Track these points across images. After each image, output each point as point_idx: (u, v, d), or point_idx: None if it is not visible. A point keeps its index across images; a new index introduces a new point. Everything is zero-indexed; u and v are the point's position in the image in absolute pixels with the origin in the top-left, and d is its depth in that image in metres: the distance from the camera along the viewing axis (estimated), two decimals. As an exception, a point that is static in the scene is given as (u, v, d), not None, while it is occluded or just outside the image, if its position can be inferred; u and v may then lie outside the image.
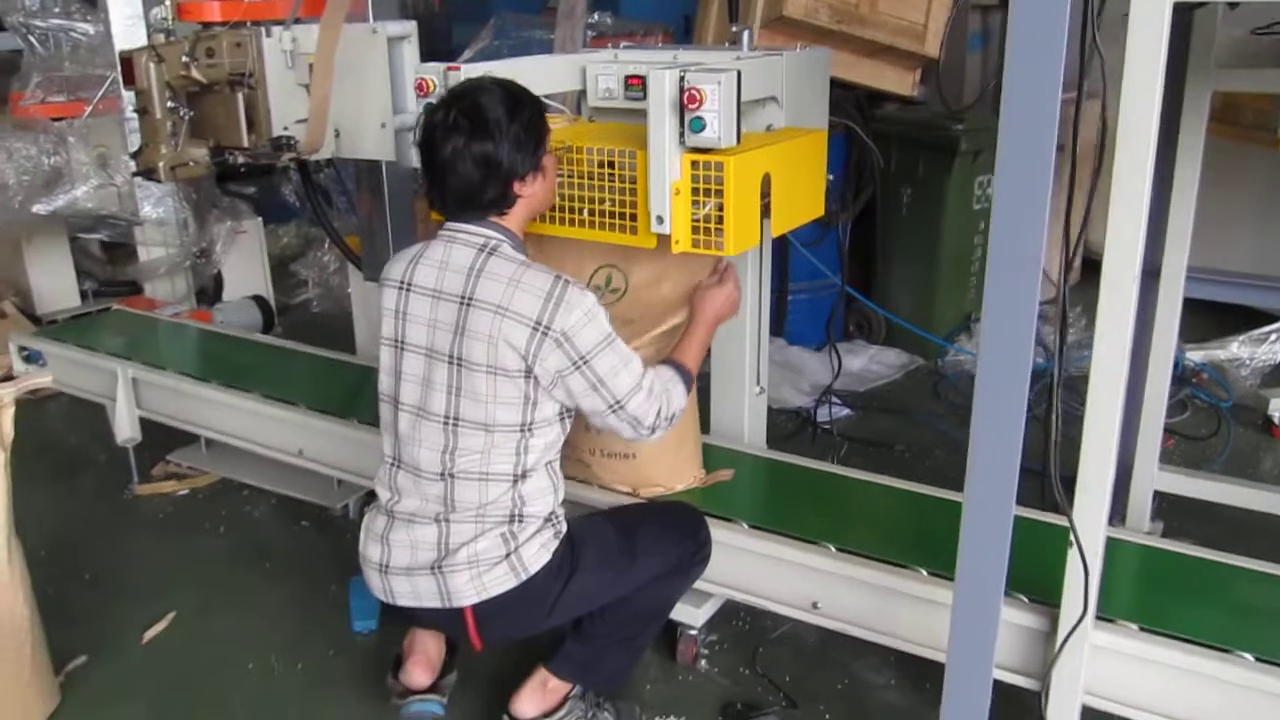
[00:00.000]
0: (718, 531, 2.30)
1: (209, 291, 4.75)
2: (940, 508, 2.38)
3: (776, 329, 4.34)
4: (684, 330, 2.32)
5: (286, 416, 3.05)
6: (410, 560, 2.08)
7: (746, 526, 2.31)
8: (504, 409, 2.01)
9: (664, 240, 2.09)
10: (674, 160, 2.02)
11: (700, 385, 2.55)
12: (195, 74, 3.02)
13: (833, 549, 2.21)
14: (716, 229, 2.05)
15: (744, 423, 2.91)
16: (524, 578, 2.04)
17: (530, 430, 2.04)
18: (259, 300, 4.58)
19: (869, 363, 4.35)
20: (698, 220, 2.06)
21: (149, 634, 2.71)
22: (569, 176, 2.19)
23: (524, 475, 2.06)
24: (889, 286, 4.51)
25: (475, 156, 1.97)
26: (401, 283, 2.10)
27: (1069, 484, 1.79)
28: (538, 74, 2.42)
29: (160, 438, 3.56)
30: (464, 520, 2.05)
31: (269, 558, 3.07)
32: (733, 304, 2.36)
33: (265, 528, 3.26)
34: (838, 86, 4.19)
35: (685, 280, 2.38)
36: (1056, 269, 1.73)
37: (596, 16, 4.70)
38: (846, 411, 3.96)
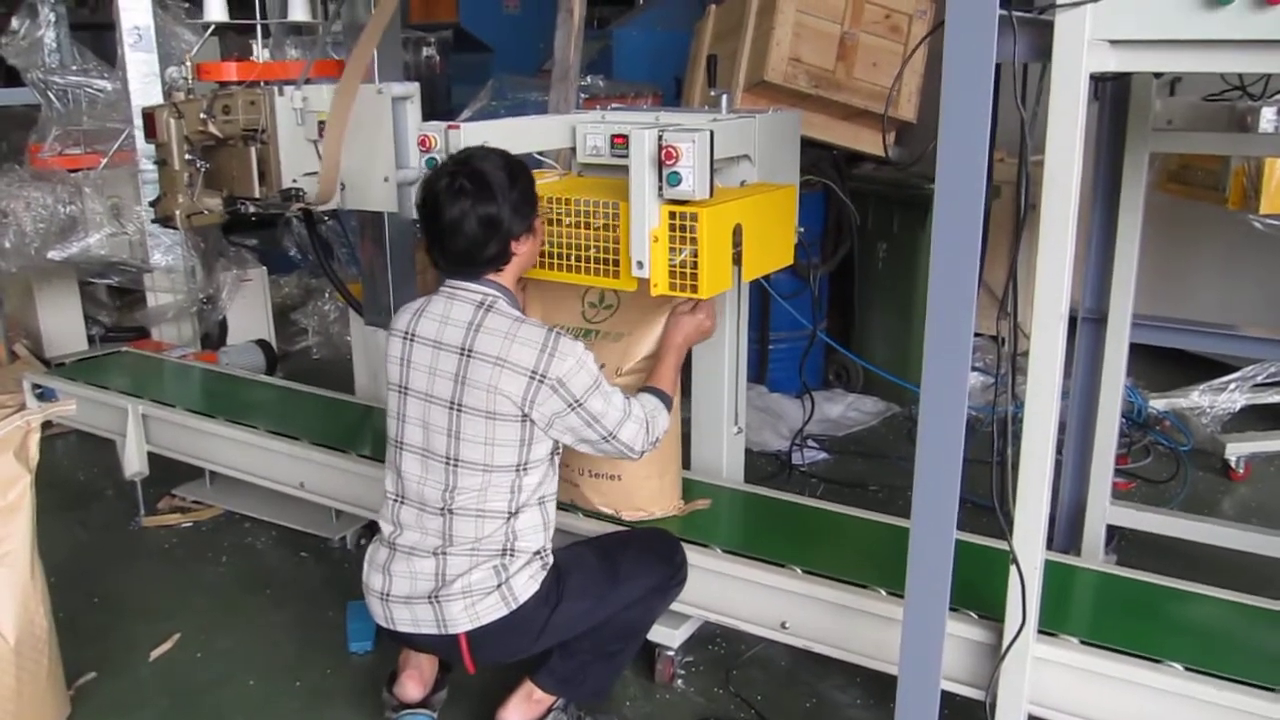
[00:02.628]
0: (694, 556, 2.47)
1: (214, 337, 4.93)
2: (901, 535, 2.52)
3: (758, 376, 4.53)
4: (656, 357, 2.51)
5: (289, 450, 3.22)
6: (410, 590, 2.25)
7: (720, 551, 2.48)
8: (501, 450, 2.19)
9: (644, 283, 2.29)
10: (653, 210, 2.23)
11: (681, 424, 2.74)
12: (212, 129, 3.24)
13: (799, 571, 2.38)
14: (691, 273, 2.25)
15: (722, 460, 3.08)
16: (514, 606, 2.22)
17: (524, 470, 2.22)
18: (263, 344, 4.77)
19: (847, 410, 4.53)
20: (674, 265, 2.26)
21: (155, 653, 2.86)
22: (560, 225, 2.39)
23: (517, 512, 2.23)
24: (867, 336, 4.71)
25: (480, 218, 2.18)
26: (406, 333, 2.29)
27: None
28: (533, 132, 2.64)
29: (165, 474, 3.72)
30: (460, 554, 2.22)
31: (270, 585, 3.22)
32: (702, 331, 2.54)
33: (266, 557, 3.41)
34: (817, 146, 4.44)
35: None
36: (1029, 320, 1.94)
37: (589, 79, 4.95)
38: (824, 455, 4.14)
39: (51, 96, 5.09)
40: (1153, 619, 2.25)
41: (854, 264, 4.69)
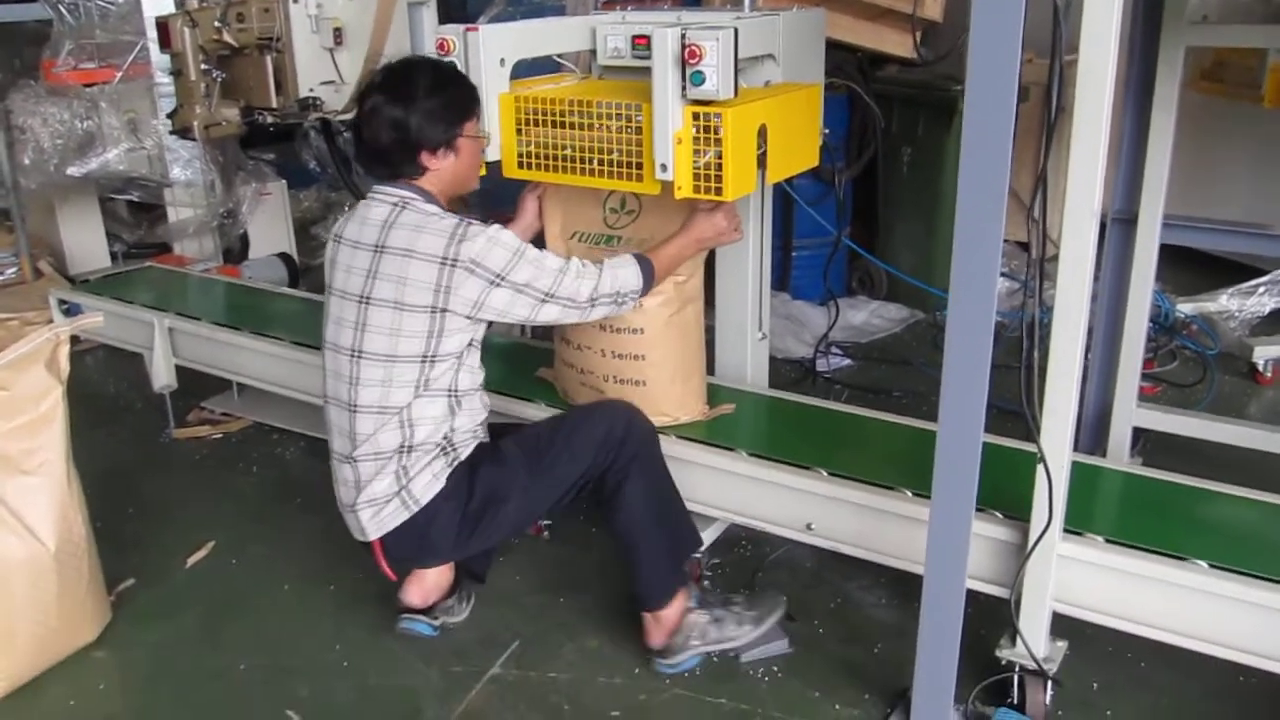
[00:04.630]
0: (719, 459, 2.48)
1: (235, 251, 4.93)
2: (926, 438, 2.52)
3: (781, 284, 4.51)
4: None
5: (313, 360, 3.20)
6: (344, 496, 2.34)
7: (745, 455, 2.48)
8: (407, 341, 2.19)
9: (667, 186, 2.26)
10: (676, 112, 2.19)
11: (706, 331, 2.73)
12: (226, 38, 3.21)
13: (824, 473, 2.39)
14: (716, 176, 2.22)
15: (747, 367, 3.08)
16: (414, 509, 2.26)
17: (431, 362, 2.21)
18: (285, 257, 4.77)
19: (870, 316, 4.51)
20: (698, 168, 2.23)
21: (191, 560, 2.92)
22: (580, 129, 2.35)
23: (414, 400, 2.23)
24: (891, 243, 4.67)
25: (388, 120, 2.19)
26: (335, 235, 2.34)
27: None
28: (552, 34, 2.58)
29: (194, 387, 3.76)
30: (365, 458, 2.26)
31: (300, 494, 3.27)
32: (719, 232, 2.46)
33: (295, 467, 3.46)
34: (840, 49, 4.34)
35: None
36: (1056, 225, 1.90)
37: (607, -19, 4.83)
38: (848, 362, 4.13)
39: (63, 10, 5.02)
40: (1177, 518, 2.26)
41: (878, 169, 4.62)
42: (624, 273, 2.32)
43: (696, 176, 2.24)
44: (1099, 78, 1.75)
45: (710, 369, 2.97)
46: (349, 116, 3.46)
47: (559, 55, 2.72)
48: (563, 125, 2.37)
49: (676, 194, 2.25)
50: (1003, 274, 4.57)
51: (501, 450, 2.35)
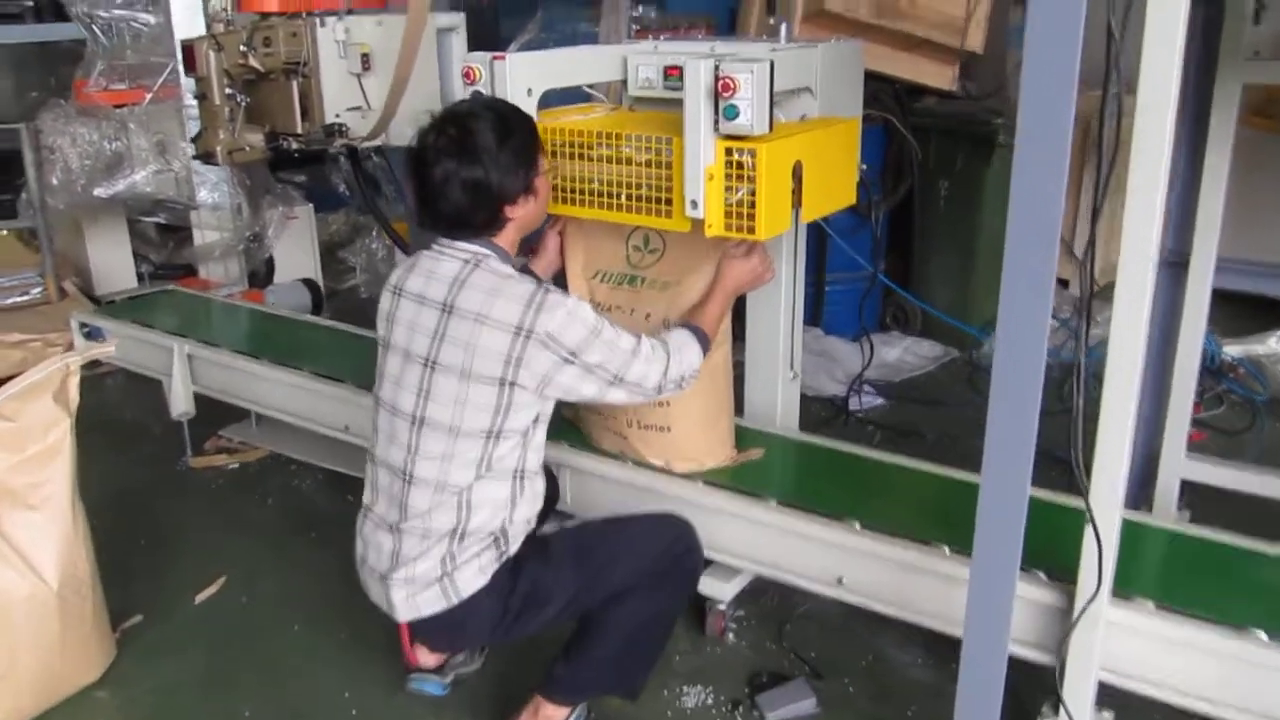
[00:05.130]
0: (746, 507, 2.38)
1: (260, 275, 4.89)
2: (964, 489, 2.43)
3: (813, 319, 4.41)
4: (704, 295, 2.36)
5: (334, 392, 3.16)
6: (375, 562, 2.16)
7: (774, 503, 2.38)
8: (474, 413, 2.01)
9: (697, 224, 2.17)
10: (708, 146, 2.10)
11: (734, 369, 2.64)
12: (253, 62, 3.15)
13: (857, 525, 2.28)
14: (749, 214, 2.13)
15: (777, 407, 2.98)
16: (454, 601, 2.07)
17: (497, 439, 2.03)
18: (309, 283, 4.72)
19: (904, 354, 4.40)
20: (730, 205, 2.14)
21: (201, 596, 2.84)
22: (609, 163, 2.27)
23: (477, 480, 2.05)
24: (926, 278, 4.55)
25: (466, 182, 2.01)
26: (395, 288, 2.16)
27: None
28: (582, 64, 2.51)
29: (213, 414, 3.69)
30: (413, 533, 2.07)
31: (315, 527, 3.19)
32: (755, 276, 2.38)
33: (312, 499, 3.38)
34: (877, 79, 4.25)
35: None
36: (1098, 261, 1.79)
37: (641, 10, 4.78)
38: (880, 400, 4.01)
39: (96, 30, 5.02)
40: (1234, 582, 2.13)
41: (914, 202, 4.52)
42: (689, 355, 2.20)
43: (728, 214, 2.15)
44: (1158, 118, 1.65)
45: (739, 408, 2.87)
46: (375, 143, 3.41)
47: (589, 85, 2.64)
48: (591, 158, 2.29)
49: (707, 231, 2.16)
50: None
51: (550, 548, 2.17)
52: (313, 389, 3.22)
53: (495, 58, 2.31)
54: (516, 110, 2.13)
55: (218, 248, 4.69)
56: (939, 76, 4.33)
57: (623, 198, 2.27)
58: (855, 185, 2.51)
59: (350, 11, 3.35)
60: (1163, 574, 2.23)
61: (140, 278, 5.33)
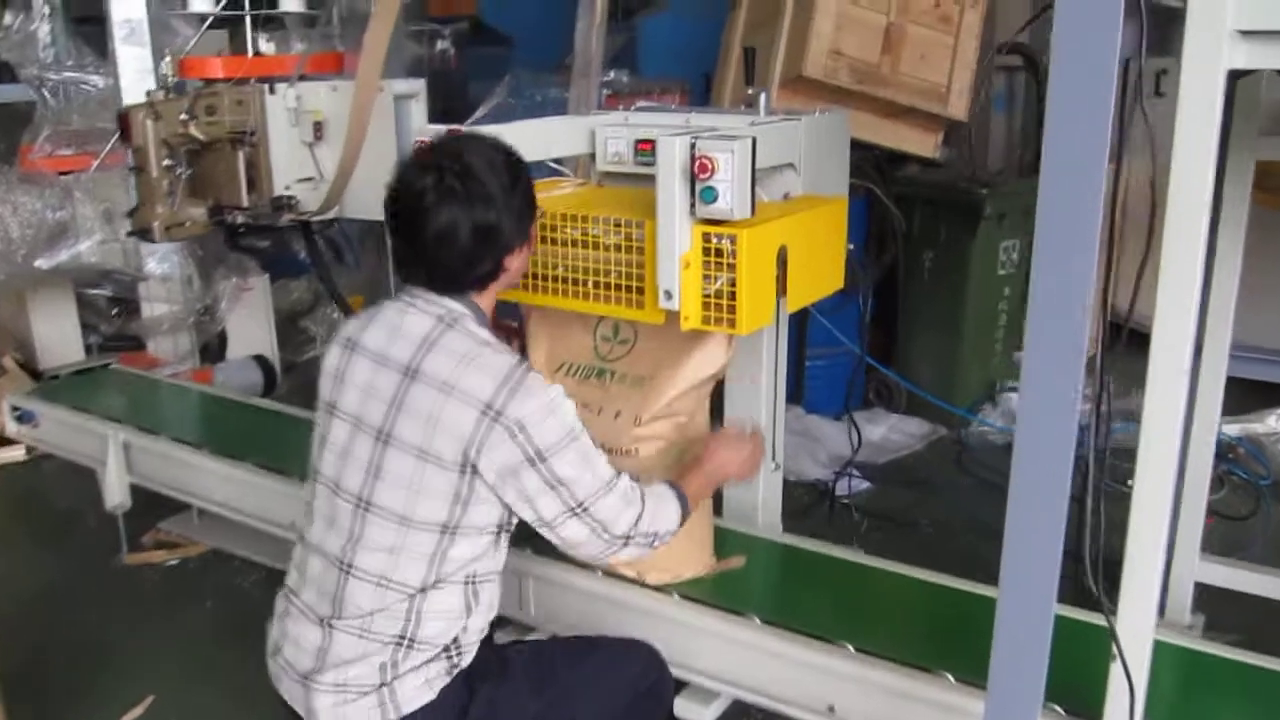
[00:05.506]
0: (728, 626, 2.15)
1: (213, 349, 4.65)
2: (968, 602, 2.21)
3: (794, 397, 4.20)
4: (689, 462, 2.07)
5: (279, 487, 2.91)
6: (293, 658, 1.83)
7: (758, 621, 2.14)
8: (427, 502, 1.72)
9: (673, 316, 1.96)
10: (684, 232, 1.90)
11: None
12: (194, 131, 2.94)
13: (851, 649, 2.04)
14: (729, 305, 1.92)
15: (758, 501, 2.77)
16: (392, 717, 1.75)
17: (454, 535, 1.74)
18: (261, 360, 4.46)
19: (889, 432, 4.19)
20: (708, 295, 1.93)
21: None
22: (575, 246, 2.07)
23: (431, 588, 1.75)
24: (910, 353, 4.36)
25: (477, 229, 1.74)
26: (349, 341, 1.85)
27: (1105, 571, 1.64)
28: (546, 137, 2.31)
29: (153, 503, 3.43)
30: (348, 631, 1.76)
31: (256, 634, 2.90)
32: (746, 468, 2.10)
33: (255, 601, 3.10)
34: (858, 147, 4.08)
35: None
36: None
37: (613, 74, 4.62)
38: (866, 484, 3.80)
39: (45, 94, 4.81)
40: (1267, 713, 1.91)
41: (898, 274, 4.34)
42: (667, 512, 1.87)
43: (706, 305, 1.94)
44: (1194, 202, 1.46)
45: (716, 505, 2.65)
46: (328, 217, 3.19)
47: (554, 160, 2.45)
48: (556, 241, 2.08)
49: (683, 325, 1.95)
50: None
51: (509, 666, 1.89)
52: (257, 482, 2.97)
53: (450, 131, 2.10)
54: (509, 147, 1.87)
55: (166, 321, 4.45)
56: (922, 144, 4.17)
57: (590, 284, 2.06)
58: (843, 268, 2.31)
59: (303, 77, 3.15)
60: (1187, 703, 2.00)
61: (88, 349, 5.06)
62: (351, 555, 1.76)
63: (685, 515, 1.92)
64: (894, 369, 4.34)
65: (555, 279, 2.10)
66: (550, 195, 2.30)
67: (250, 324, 4.72)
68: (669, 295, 1.93)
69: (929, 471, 3.95)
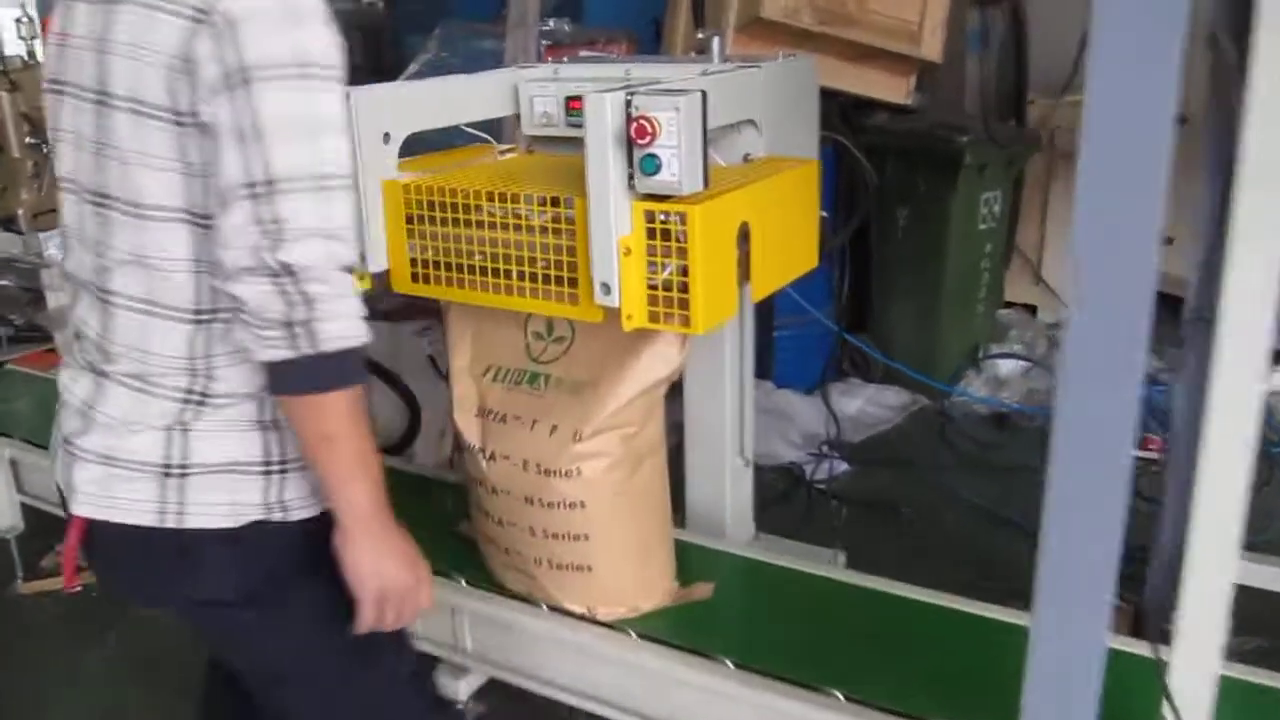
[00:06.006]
0: (695, 672, 1.82)
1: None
2: (984, 632, 1.90)
3: (762, 370, 3.86)
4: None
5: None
6: (63, 422, 1.39)
7: (731, 665, 1.82)
8: (151, 179, 1.22)
9: (613, 313, 1.60)
10: (622, 211, 1.54)
11: (672, 462, 2.08)
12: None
13: (841, 697, 1.73)
14: (680, 299, 1.57)
15: (725, 503, 2.45)
16: (170, 524, 1.29)
17: (205, 226, 1.23)
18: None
19: (866, 404, 3.87)
20: (655, 287, 1.58)
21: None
22: (494, 229, 1.70)
23: (209, 315, 1.26)
24: (886, 318, 4.03)
25: None
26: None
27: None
28: (456, 98, 1.94)
29: (54, 523, 3.05)
30: (122, 378, 1.29)
31: (168, 679, 2.57)
32: (405, 603, 1.37)
33: (165, 637, 2.74)
34: (822, 95, 3.73)
35: None
36: (1068, 285, 1.32)
37: (552, 24, 4.21)
38: (844, 467, 3.48)
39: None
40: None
41: (870, 233, 4.00)
42: (345, 325, 1.21)
43: (653, 300, 1.59)
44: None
45: (678, 514, 2.32)
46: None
47: (475, 125, 2.07)
48: (470, 224, 1.72)
49: (625, 324, 1.60)
50: (1014, 355, 3.99)
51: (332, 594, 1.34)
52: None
53: (337, 95, 1.73)
54: None
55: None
56: (893, 89, 3.81)
57: (514, 276, 1.71)
58: (817, 243, 1.96)
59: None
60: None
61: (1, 341, 4.66)
62: (104, 275, 1.29)
63: (347, 399, 1.24)
64: (869, 335, 4.01)
65: (472, 269, 1.74)
66: (467, 167, 1.93)
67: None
68: (606, 289, 1.57)
69: (910, 448, 3.64)
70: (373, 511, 1.28)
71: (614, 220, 1.53)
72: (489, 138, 2.04)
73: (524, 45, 3.89)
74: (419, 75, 3.96)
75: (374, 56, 5.22)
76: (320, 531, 1.32)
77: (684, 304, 1.57)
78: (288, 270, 1.16)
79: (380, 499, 1.29)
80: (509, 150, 2.09)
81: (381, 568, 1.31)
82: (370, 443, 1.28)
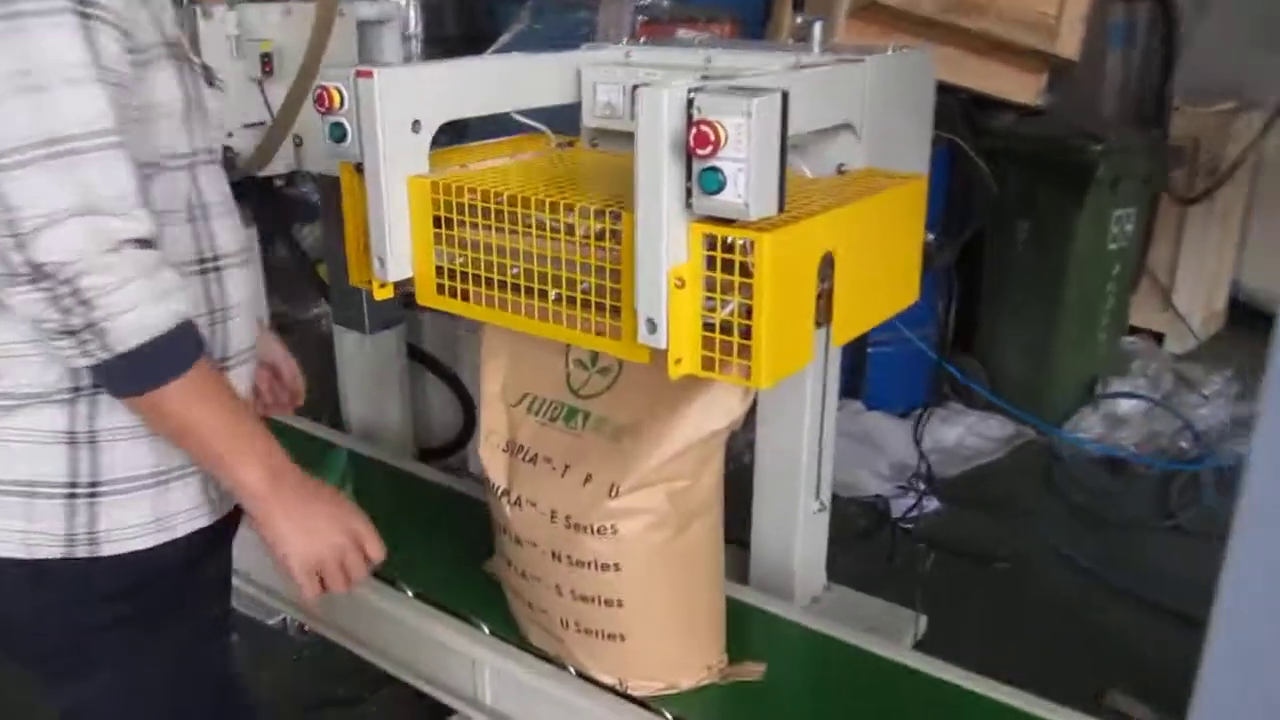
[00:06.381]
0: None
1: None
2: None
3: (852, 389, 3.54)
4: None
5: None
6: None
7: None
8: None
9: (660, 354, 1.32)
10: (676, 236, 1.26)
11: (739, 485, 1.80)
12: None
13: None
14: (741, 345, 1.28)
15: (794, 550, 2.17)
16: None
17: None
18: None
19: (966, 434, 3.52)
20: (712, 328, 1.29)
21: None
22: (530, 241, 1.44)
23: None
24: (995, 341, 3.66)
25: None
26: None
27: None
28: (501, 82, 1.67)
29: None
30: None
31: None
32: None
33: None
34: (940, 90, 3.37)
35: None
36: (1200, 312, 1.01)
37: (652, -1, 3.92)
38: (934, 504, 3.14)
39: None
40: None
41: (984, 246, 3.63)
42: (134, 300, 1.00)
43: (709, 344, 1.30)
44: None
45: (740, 569, 2.05)
46: (280, 171, 2.61)
47: (526, 113, 1.80)
48: (500, 231, 1.46)
49: (672, 370, 1.31)
50: (1136, 395, 3.58)
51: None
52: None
53: (360, 73, 1.48)
54: None
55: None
56: (1021, 88, 3.44)
57: (549, 297, 1.44)
58: (919, 274, 1.65)
59: (245, -5, 2.55)
60: None
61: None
62: None
63: (168, 365, 1.05)
64: (974, 358, 3.65)
65: (503, 285, 1.47)
66: (510, 163, 1.67)
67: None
68: (652, 326, 1.29)
69: (1011, 489, 3.28)
70: (270, 487, 1.13)
71: (665, 245, 1.25)
72: (542, 127, 1.77)
73: (617, 19, 3.62)
74: (509, 47, 3.75)
75: (468, 26, 5.00)
76: (157, 578, 1.12)
77: (745, 350, 1.28)
78: (42, 272, 0.95)
79: (277, 469, 1.14)
80: (568, 144, 1.82)
81: (304, 539, 1.16)
82: (242, 413, 1.13)
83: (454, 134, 1.73)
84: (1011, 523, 3.06)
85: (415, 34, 3.74)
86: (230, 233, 1.25)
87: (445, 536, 2.15)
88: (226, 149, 2.48)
